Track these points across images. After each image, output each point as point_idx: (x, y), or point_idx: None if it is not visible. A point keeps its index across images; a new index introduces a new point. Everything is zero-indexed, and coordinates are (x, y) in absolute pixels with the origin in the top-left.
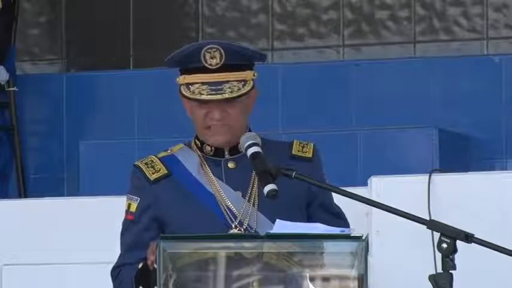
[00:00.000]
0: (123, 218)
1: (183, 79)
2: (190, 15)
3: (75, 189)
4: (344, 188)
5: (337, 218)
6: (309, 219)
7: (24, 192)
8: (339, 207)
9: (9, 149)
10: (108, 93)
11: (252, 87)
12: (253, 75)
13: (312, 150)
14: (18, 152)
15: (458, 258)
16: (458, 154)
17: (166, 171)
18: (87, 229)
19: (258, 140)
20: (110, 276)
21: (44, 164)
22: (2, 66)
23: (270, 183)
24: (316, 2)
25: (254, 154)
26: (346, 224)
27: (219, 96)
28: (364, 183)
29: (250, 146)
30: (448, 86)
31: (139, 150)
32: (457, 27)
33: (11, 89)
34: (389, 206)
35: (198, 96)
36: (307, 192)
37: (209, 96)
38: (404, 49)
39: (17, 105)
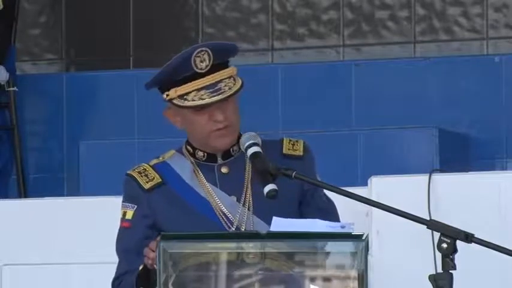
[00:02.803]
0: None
1: (174, 92)
2: (190, 15)
3: (75, 189)
4: (344, 188)
5: (326, 212)
6: (301, 216)
7: (24, 192)
8: (329, 200)
9: (9, 149)
10: (108, 93)
11: (242, 82)
12: (236, 71)
13: (302, 147)
14: (18, 152)
15: (458, 258)
16: (458, 154)
17: (160, 180)
18: (87, 229)
19: (258, 140)
20: (110, 275)
21: (44, 164)
22: (2, 66)
23: (270, 183)
24: (316, 2)
25: (254, 154)
26: (336, 217)
27: (221, 96)
28: (364, 183)
29: (250, 146)
30: (448, 86)
31: (139, 150)
32: (457, 27)
33: (11, 89)
34: (389, 206)
35: (199, 102)
36: (300, 191)
37: (212, 98)
38: (404, 49)
39: (17, 105)
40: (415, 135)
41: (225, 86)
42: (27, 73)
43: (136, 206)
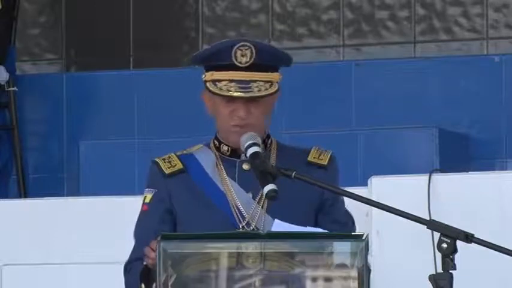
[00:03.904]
0: (125, 218)
1: (210, 75)
2: (190, 15)
3: (75, 189)
4: (344, 188)
5: (343, 225)
6: (315, 224)
7: (24, 192)
8: (348, 214)
9: (9, 149)
10: (108, 93)
11: (277, 90)
12: (279, 78)
13: (328, 158)
14: (18, 152)
15: (458, 258)
16: (458, 154)
17: (181, 167)
18: (87, 229)
19: (258, 140)
20: (110, 275)
21: (44, 164)
22: (2, 66)
23: (269, 183)
24: (316, 2)
25: (254, 154)
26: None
27: (244, 94)
28: (364, 183)
29: (250, 146)
30: (448, 86)
31: (139, 150)
32: (457, 27)
33: (11, 89)
34: (390, 206)
35: (225, 93)
36: (319, 199)
37: (236, 93)
38: (404, 49)
39: (17, 105)
40: (415, 135)
41: (256, 87)
42: (27, 73)
43: (156, 190)
